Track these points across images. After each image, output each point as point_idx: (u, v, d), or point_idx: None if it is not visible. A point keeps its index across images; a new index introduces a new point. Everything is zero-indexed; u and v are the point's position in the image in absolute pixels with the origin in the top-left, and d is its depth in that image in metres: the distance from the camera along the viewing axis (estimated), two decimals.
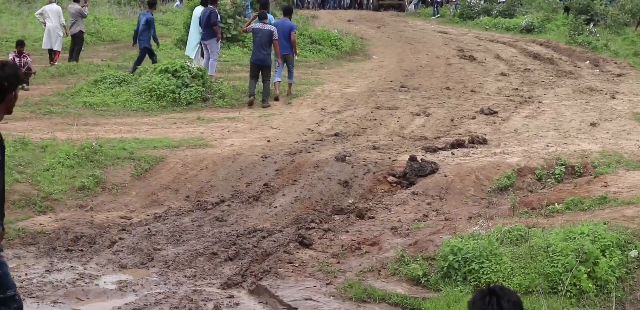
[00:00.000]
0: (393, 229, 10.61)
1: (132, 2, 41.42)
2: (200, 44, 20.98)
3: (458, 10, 44.71)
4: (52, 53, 24.26)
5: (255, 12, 20.90)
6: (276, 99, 19.37)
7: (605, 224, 9.04)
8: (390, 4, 52.97)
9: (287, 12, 20.62)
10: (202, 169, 13.23)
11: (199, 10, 21.24)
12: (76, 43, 24.37)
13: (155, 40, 22.27)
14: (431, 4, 49.38)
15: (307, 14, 41.52)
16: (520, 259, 8.57)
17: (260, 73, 18.76)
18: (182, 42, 25.06)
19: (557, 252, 8.44)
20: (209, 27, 20.39)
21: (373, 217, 11.34)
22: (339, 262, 9.52)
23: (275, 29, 18.91)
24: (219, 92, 19.06)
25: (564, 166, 12.70)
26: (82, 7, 24.66)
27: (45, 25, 24.35)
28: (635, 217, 9.39)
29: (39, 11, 25.05)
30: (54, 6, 24.56)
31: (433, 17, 46.33)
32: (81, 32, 24.27)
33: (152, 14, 22.62)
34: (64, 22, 24.40)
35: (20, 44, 21.08)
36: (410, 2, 54.18)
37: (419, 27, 40.60)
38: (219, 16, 21.45)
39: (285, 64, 19.67)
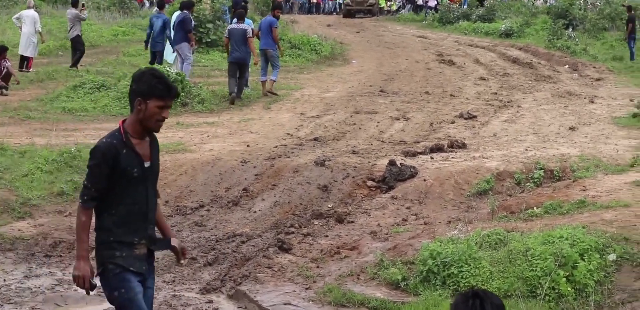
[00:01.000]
0: (372, 233, 10.60)
1: (112, 7, 41.26)
2: None
3: (437, 15, 44.88)
4: (24, 59, 24.08)
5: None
6: (270, 92, 20.29)
7: (584, 227, 9.06)
8: (360, 9, 53.03)
9: (272, 9, 21.41)
10: (181, 174, 13.18)
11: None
12: (76, 48, 24.04)
13: (170, 41, 22.16)
14: (423, 8, 49.60)
15: (287, 19, 41.54)
16: (499, 263, 8.58)
17: (238, 71, 19.26)
18: None
19: (535, 256, 8.45)
20: (182, 32, 20.40)
21: (352, 222, 11.32)
22: (318, 267, 9.51)
23: (249, 27, 19.41)
24: (198, 97, 19.05)
25: (542, 170, 12.71)
26: (80, 11, 24.37)
27: (21, 30, 24.24)
28: (614, 221, 9.42)
29: (16, 16, 24.90)
30: (31, 12, 24.40)
31: (425, 21, 46.37)
32: (78, 36, 24.02)
33: (165, 15, 22.56)
34: (39, 28, 24.23)
35: (3, 49, 20.96)
36: (402, 7, 54.45)
37: (399, 31, 40.71)
38: (192, 22, 21.48)
39: (267, 61, 20.07)
